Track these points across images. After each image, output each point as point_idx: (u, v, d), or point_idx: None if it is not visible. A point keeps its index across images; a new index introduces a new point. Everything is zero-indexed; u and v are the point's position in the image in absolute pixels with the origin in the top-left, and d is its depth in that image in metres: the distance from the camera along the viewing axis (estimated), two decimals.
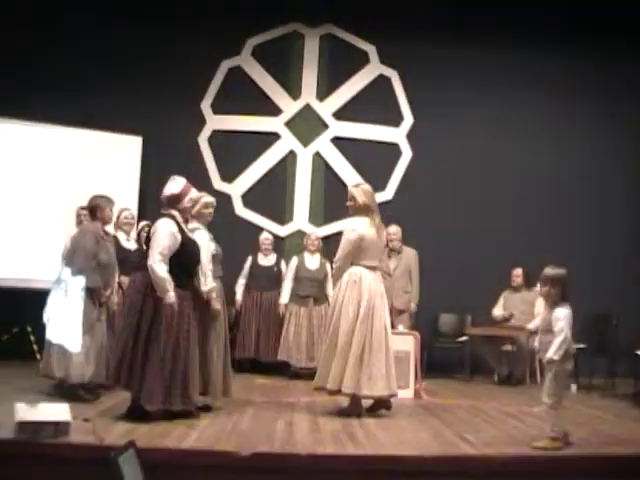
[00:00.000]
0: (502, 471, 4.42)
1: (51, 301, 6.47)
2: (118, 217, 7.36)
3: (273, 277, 8.79)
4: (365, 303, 5.89)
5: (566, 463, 4.58)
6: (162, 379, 5.19)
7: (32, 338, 8.11)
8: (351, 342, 5.82)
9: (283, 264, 8.96)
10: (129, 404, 5.35)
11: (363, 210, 6.09)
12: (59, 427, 4.37)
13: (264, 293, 8.72)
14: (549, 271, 5.00)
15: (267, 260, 8.83)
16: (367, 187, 6.27)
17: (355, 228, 6.02)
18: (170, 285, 5.22)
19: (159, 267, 5.22)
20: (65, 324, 6.10)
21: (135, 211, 8.82)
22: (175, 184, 5.53)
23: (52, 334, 6.26)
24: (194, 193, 5.67)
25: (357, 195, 6.10)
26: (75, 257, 6.20)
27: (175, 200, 5.50)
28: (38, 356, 7.65)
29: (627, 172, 9.83)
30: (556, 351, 4.76)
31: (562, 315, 4.81)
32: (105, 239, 6.36)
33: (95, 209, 6.35)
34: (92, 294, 6.12)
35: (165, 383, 5.20)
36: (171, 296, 5.23)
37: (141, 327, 5.24)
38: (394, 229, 8.66)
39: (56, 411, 4.47)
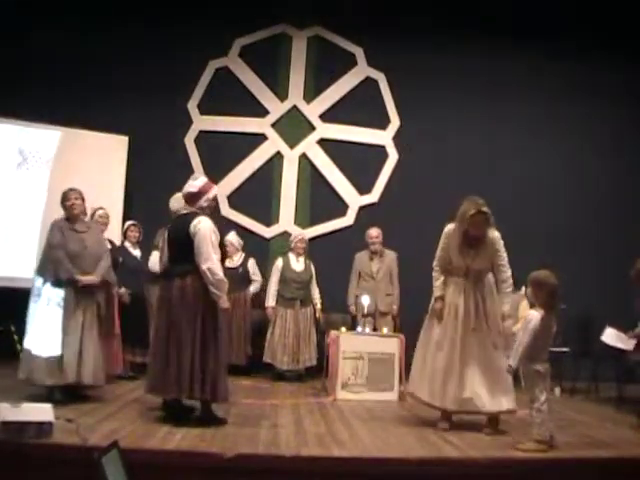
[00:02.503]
0: (486, 474, 4.44)
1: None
2: (92, 216, 7.24)
3: (237, 279, 8.51)
4: None
5: (550, 466, 4.61)
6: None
7: (15, 337, 8.04)
8: None
9: (251, 263, 8.87)
10: (199, 413, 5.41)
11: None
12: (42, 427, 4.35)
13: (229, 295, 8.60)
14: (533, 274, 5.06)
15: (232, 262, 8.55)
16: None
17: None
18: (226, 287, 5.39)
19: (220, 268, 5.34)
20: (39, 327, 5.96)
21: (121, 210, 8.84)
22: (195, 182, 5.55)
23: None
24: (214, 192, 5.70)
25: None
26: (43, 251, 6.14)
27: (195, 197, 5.51)
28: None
29: (612, 174, 9.90)
30: (513, 356, 4.89)
31: (529, 318, 4.88)
32: (77, 230, 6.17)
33: (61, 201, 6.23)
34: (68, 286, 5.95)
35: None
36: (226, 299, 5.43)
37: (206, 333, 5.30)
38: (375, 232, 8.65)
39: (39, 411, 4.44)
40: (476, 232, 5.68)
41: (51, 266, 6.01)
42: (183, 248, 5.34)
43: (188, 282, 5.30)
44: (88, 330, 6.04)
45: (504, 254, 5.78)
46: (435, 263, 6.03)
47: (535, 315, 4.88)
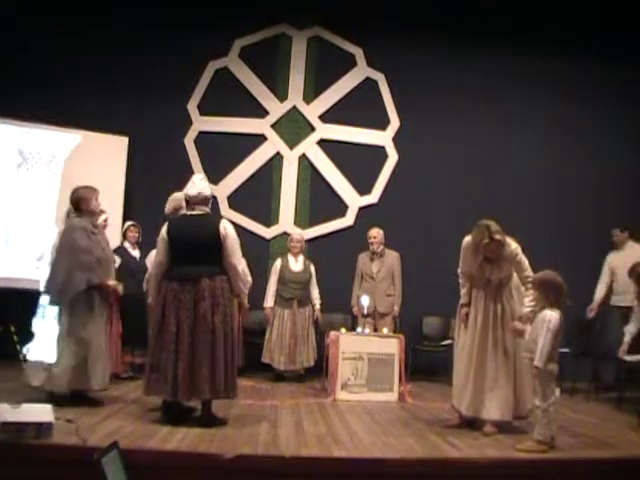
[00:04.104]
0: (486, 474, 4.43)
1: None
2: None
3: None
4: None
5: (550, 466, 4.60)
6: None
7: (15, 338, 8.02)
8: None
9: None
10: (199, 414, 5.42)
11: None
12: (42, 428, 4.34)
13: None
14: (538, 276, 5.06)
15: None
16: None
17: None
18: None
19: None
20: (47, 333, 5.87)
21: (120, 211, 8.84)
22: (205, 184, 5.61)
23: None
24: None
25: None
26: (63, 257, 5.75)
27: (209, 200, 5.61)
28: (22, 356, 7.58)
29: (612, 175, 9.87)
30: (539, 358, 4.82)
31: (549, 319, 4.86)
32: (96, 233, 5.99)
33: (79, 202, 5.94)
34: (93, 293, 5.82)
35: None
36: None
37: (234, 333, 5.43)
38: (374, 232, 8.64)
39: (39, 412, 4.43)
40: (493, 256, 5.67)
41: (82, 270, 5.71)
42: (209, 249, 5.36)
43: (218, 283, 5.36)
44: (104, 334, 6.04)
45: (525, 263, 5.69)
46: (459, 271, 6.00)
47: (554, 315, 4.85)
